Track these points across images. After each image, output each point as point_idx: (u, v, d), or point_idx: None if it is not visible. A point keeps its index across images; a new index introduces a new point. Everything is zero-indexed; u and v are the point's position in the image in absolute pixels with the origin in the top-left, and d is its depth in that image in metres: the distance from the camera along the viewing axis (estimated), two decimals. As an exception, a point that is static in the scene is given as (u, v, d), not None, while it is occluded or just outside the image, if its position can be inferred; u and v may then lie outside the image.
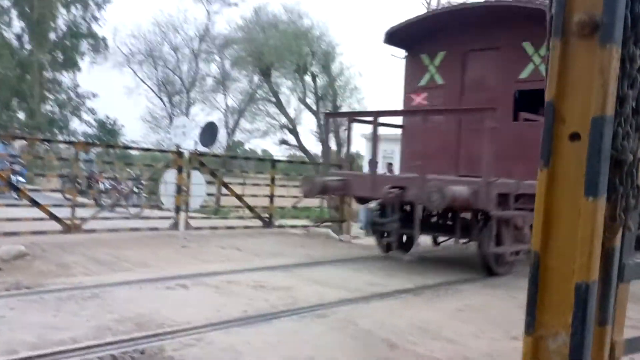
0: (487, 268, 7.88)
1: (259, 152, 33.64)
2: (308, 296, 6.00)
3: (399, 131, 10.88)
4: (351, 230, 12.88)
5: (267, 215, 11.92)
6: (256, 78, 24.59)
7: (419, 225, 7.60)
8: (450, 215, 8.30)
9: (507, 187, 7.08)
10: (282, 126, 22.82)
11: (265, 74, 22.53)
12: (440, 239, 9.97)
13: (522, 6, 7.67)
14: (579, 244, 1.36)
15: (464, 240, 8.42)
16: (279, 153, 22.95)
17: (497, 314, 5.77)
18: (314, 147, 23.79)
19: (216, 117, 25.27)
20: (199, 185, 11.00)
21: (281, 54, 23.00)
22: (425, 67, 9.25)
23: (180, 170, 10.36)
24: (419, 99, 9.41)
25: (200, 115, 25.32)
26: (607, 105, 1.34)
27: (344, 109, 22.47)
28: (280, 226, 12.12)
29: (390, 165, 14.66)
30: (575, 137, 1.39)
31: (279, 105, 22.72)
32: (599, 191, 1.33)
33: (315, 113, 22.22)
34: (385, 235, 8.75)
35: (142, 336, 4.26)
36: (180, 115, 22.28)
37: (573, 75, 1.39)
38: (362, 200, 9.30)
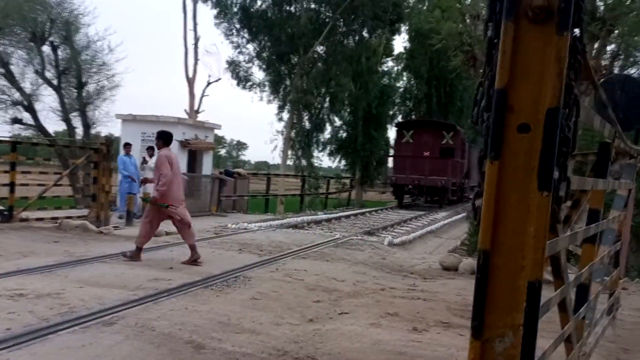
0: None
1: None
2: (84, 301, 5.19)
3: (160, 114, 12.45)
4: (110, 220, 11.74)
5: (5, 207, 10.03)
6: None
7: (423, 193, 23.93)
8: (426, 190, 23.43)
9: (443, 181, 22.86)
10: (15, 103, 19.39)
11: (-11, 39, 18.87)
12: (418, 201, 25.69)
13: (442, 121, 26.14)
14: (531, 240, 1.33)
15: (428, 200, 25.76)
16: (10, 133, 19.40)
17: (289, 299, 5.87)
18: (55, 127, 20.87)
19: None
20: None
21: (8, 17, 19.60)
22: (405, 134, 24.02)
23: None
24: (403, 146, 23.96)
25: None
26: (562, 96, 1.33)
27: (92, 87, 20.30)
28: (24, 219, 10.32)
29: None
30: (524, 128, 1.34)
31: (10, 77, 19.25)
32: (551, 185, 1.32)
33: (56, 89, 19.49)
34: (402, 199, 24.65)
35: None
36: None
37: (524, 62, 1.34)
38: (400, 187, 23.94)
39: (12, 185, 9.91)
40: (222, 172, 17.06)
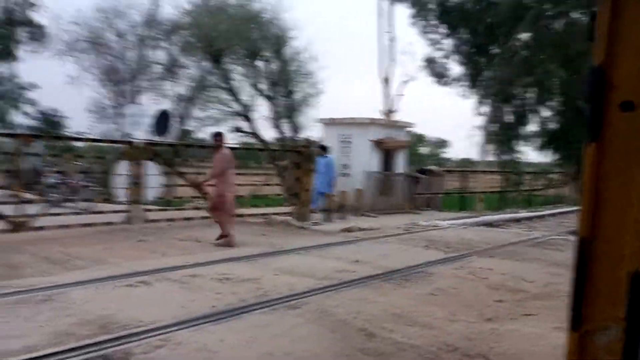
0: None
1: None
2: (277, 287, 5.81)
3: (356, 115, 12.12)
4: (311, 217, 12.73)
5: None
6: (206, 64, 23.88)
7: None
8: None
9: None
10: (236, 113, 22.24)
11: (216, 60, 21.87)
12: None
13: None
14: (633, 227, 1.22)
15: None
16: (233, 140, 22.36)
17: (469, 296, 5.76)
18: (269, 133, 23.33)
19: (165, 105, 24.39)
20: (154, 176, 10.58)
21: (231, 39, 22.40)
22: None
23: (133, 161, 9.87)
24: None
25: (149, 104, 24.34)
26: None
27: (299, 95, 22.17)
28: (239, 215, 11.80)
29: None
30: (628, 106, 1.24)
31: (231, 91, 22.12)
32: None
33: (269, 99, 21.79)
34: None
35: (107, 339, 3.95)
36: (129, 104, 21.39)
37: (626, 35, 1.24)
38: None
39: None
40: (415, 170, 17.19)
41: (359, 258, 7.68)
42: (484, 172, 25.28)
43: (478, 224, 12.61)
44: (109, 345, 3.87)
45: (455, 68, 27.65)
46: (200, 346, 3.93)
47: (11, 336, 4.02)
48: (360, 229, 11.15)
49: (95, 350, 3.75)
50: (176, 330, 4.27)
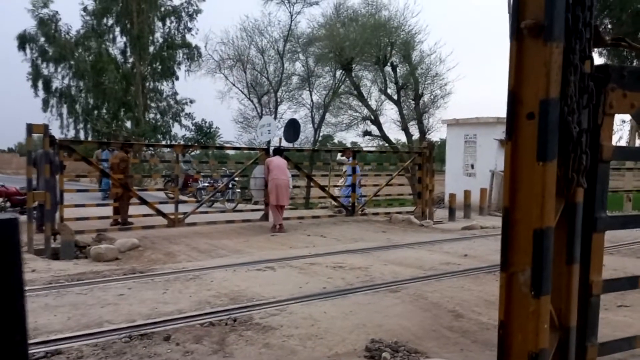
0: None
1: (348, 144, 34.38)
2: (383, 274, 6.48)
3: (481, 114, 12.17)
4: (434, 215, 13.10)
5: (350, 204, 12.46)
6: (338, 73, 25.15)
7: None
8: None
9: None
10: (365, 118, 23.20)
11: (347, 69, 23.00)
12: None
13: None
14: (534, 200, 1.76)
15: None
16: (363, 144, 23.35)
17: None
18: (397, 136, 23.92)
19: (303, 113, 26.12)
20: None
21: (361, 48, 23.37)
22: None
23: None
24: None
25: (288, 113, 26.27)
26: (551, 90, 1.72)
27: (427, 97, 22.48)
28: (364, 214, 12.61)
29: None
30: (530, 116, 1.78)
31: (361, 97, 23.11)
32: (547, 157, 1.72)
33: (396, 102, 22.39)
34: None
35: (235, 307, 4.96)
36: (266, 115, 23.36)
37: (526, 67, 1.78)
38: None
39: (353, 187, 12.27)
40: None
41: (469, 253, 8.03)
42: (630, 169, 23.23)
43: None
44: (236, 312, 4.86)
45: (595, 60, 25.85)
46: (306, 315, 4.76)
47: (167, 302, 5.21)
48: (481, 227, 11.33)
49: (225, 314, 4.76)
50: (290, 304, 5.15)
